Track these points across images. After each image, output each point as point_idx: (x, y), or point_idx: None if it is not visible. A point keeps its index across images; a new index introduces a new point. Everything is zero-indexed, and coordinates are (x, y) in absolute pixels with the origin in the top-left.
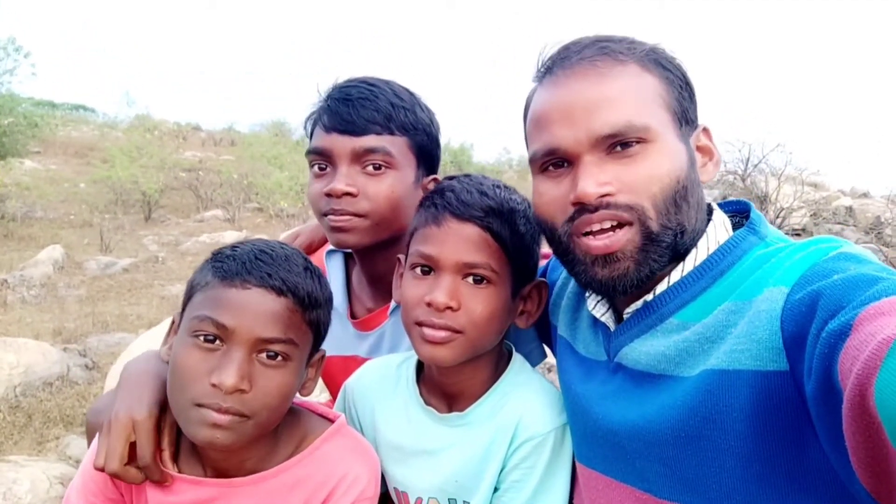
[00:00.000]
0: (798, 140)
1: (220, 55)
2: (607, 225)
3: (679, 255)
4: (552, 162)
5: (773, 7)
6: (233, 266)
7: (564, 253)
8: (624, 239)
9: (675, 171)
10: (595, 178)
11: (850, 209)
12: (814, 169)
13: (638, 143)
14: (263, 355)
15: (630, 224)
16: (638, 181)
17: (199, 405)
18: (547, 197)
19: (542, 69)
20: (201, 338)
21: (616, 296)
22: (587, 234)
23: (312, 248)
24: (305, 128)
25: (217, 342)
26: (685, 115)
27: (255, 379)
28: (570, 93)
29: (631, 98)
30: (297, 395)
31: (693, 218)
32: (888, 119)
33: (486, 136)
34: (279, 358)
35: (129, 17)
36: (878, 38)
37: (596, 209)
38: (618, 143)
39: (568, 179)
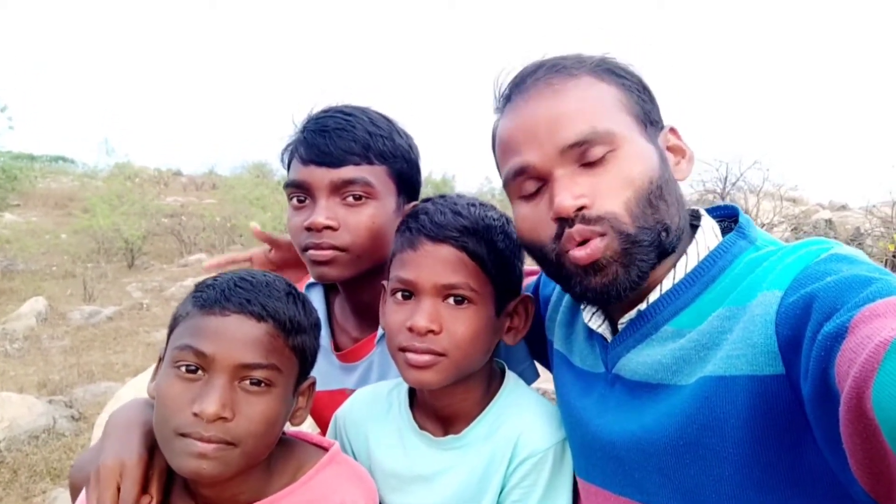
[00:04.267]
0: (773, 155)
1: (198, 97)
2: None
3: (667, 254)
4: (526, 183)
5: (741, 24)
6: (212, 294)
7: (557, 271)
8: (602, 245)
9: (647, 171)
10: (570, 191)
11: (829, 222)
12: (791, 184)
13: (605, 151)
14: (246, 382)
15: (603, 234)
16: (611, 188)
17: (183, 435)
18: (529, 221)
19: (501, 100)
20: (182, 368)
21: (612, 303)
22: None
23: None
24: (282, 160)
25: (199, 371)
26: (648, 117)
27: (238, 406)
28: (531, 114)
29: (590, 107)
30: (289, 425)
31: (675, 215)
32: (861, 131)
33: (467, 167)
34: (262, 384)
35: (106, 66)
36: (850, 51)
37: (573, 223)
38: (586, 155)
39: (545, 199)
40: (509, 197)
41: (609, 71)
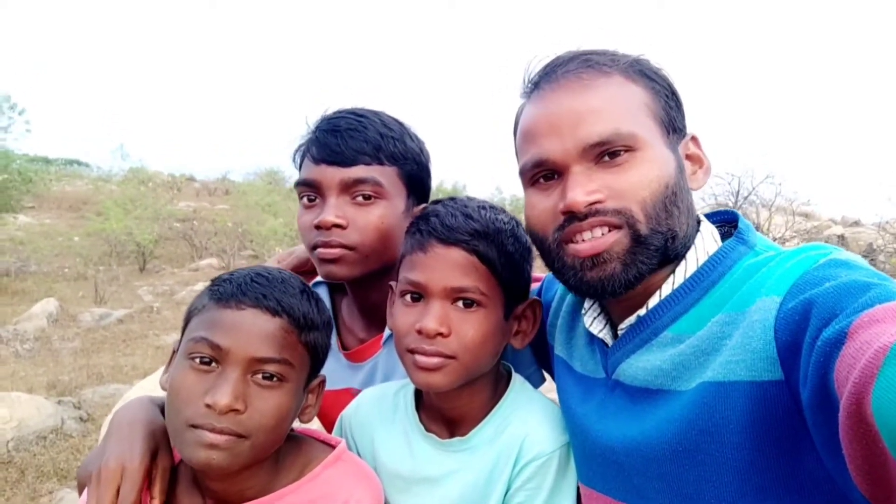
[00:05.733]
0: (786, 170)
1: (213, 103)
2: (598, 233)
3: (669, 261)
4: (542, 174)
5: (752, 31)
6: (228, 288)
7: (555, 261)
8: (612, 240)
9: (664, 177)
10: (584, 187)
11: (842, 237)
12: (804, 199)
13: (625, 151)
14: (259, 376)
15: (619, 227)
16: (626, 188)
17: (194, 426)
18: (538, 209)
19: (530, 85)
20: (197, 359)
21: (605, 298)
22: (575, 241)
23: (306, 266)
24: (294, 160)
25: (213, 364)
26: (672, 124)
27: (250, 399)
28: (557, 105)
29: (616, 107)
30: (298, 422)
31: (684, 224)
32: (875, 146)
33: (478, 176)
34: (275, 379)
35: (123, 71)
36: (866, 64)
37: (585, 217)
38: (605, 153)
39: (557, 191)
40: (523, 184)
41: (641, 73)
